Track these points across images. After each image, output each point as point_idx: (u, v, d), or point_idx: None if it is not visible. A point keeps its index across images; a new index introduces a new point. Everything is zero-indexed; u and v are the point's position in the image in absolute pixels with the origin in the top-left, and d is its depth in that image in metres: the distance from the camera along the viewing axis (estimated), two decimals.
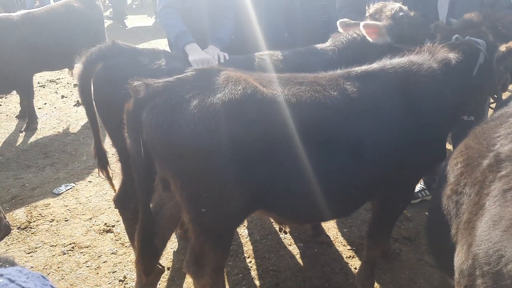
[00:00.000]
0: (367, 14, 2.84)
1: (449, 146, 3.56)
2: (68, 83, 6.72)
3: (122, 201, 2.57)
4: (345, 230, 3.24)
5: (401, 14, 2.58)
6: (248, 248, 3.06)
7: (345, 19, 2.93)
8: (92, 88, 2.43)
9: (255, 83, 1.87)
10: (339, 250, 3.02)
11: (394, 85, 2.07)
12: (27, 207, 3.56)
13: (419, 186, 3.53)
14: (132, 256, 2.92)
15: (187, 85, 1.83)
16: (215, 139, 1.73)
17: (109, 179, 2.75)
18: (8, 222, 2.42)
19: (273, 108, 1.81)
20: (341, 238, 3.15)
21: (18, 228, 3.31)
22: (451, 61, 2.20)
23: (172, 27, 2.79)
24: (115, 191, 2.71)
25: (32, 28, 4.92)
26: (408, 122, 2.05)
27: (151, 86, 1.82)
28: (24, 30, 4.84)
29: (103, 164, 2.71)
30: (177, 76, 1.87)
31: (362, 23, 2.57)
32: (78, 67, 2.49)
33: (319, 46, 2.80)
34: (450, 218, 1.63)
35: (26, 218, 3.41)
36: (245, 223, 3.27)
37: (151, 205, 2.24)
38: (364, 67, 2.13)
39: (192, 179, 1.82)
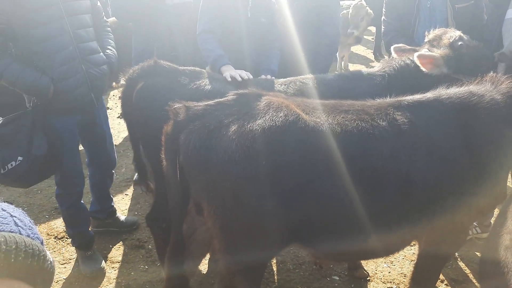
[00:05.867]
0: (426, 40, 2.66)
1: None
2: (113, 95, 6.94)
3: (154, 220, 2.53)
4: (385, 265, 3.02)
5: (460, 43, 2.37)
6: (280, 277, 2.91)
7: (401, 44, 2.77)
8: (132, 104, 2.45)
9: (298, 110, 1.77)
10: (378, 287, 2.81)
11: (450, 117, 1.90)
12: None
13: None
14: (161, 275, 2.86)
15: (227, 110, 1.76)
16: (252, 167, 1.65)
17: (150, 191, 2.75)
18: None
19: (316, 137, 1.70)
20: (380, 274, 2.93)
21: (55, 237, 3.37)
22: None
23: (210, 51, 2.88)
24: None
25: None
26: (464, 159, 1.87)
27: (191, 109, 1.77)
28: None
29: (142, 177, 2.72)
30: (218, 100, 1.82)
31: (416, 54, 2.39)
32: (122, 83, 2.55)
33: (367, 70, 2.67)
34: (507, 272, 1.44)
35: (64, 228, 3.47)
36: None
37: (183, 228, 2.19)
38: (417, 96, 1.98)
39: (226, 207, 1.73)
